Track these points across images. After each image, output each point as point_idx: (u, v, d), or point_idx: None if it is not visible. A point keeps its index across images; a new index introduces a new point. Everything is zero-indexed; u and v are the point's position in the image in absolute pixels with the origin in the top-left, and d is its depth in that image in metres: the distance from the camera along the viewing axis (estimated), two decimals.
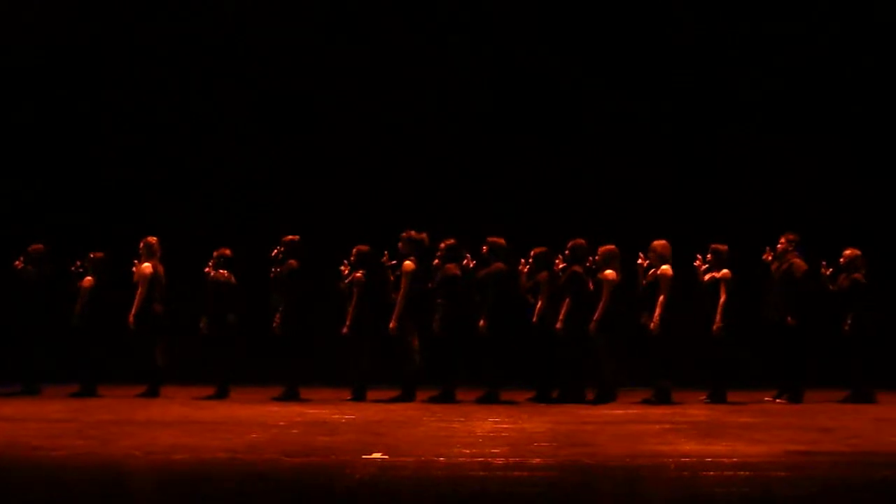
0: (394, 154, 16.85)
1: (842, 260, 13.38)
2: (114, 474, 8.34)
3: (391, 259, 13.34)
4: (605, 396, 12.86)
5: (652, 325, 12.75)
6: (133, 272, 13.67)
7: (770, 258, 13.42)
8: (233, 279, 13.51)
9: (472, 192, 16.55)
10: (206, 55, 17.05)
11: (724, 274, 12.91)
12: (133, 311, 13.44)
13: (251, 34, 17.11)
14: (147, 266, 13.56)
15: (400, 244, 13.23)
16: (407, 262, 13.08)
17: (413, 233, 13.25)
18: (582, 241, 13.15)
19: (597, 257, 13.05)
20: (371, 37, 16.99)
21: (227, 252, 13.54)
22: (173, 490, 7.87)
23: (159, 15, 17.12)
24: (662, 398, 12.87)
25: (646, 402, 12.89)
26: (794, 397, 13.17)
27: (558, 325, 12.86)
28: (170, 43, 17.01)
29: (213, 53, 17.05)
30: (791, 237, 13.41)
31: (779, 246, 13.40)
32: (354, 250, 13.30)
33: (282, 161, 17.00)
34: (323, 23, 17.06)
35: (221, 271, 13.43)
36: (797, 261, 13.29)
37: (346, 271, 13.36)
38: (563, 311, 12.89)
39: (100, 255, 13.84)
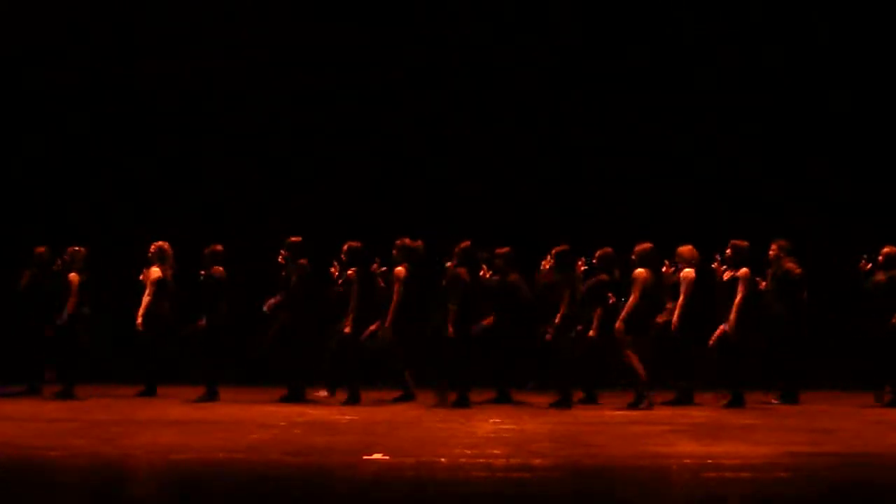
0: (394, 157, 16.85)
1: (880, 258, 13.30)
2: (114, 474, 8.34)
3: (381, 266, 13.29)
4: (640, 399, 12.45)
5: (673, 326, 12.75)
6: (142, 277, 13.65)
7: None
8: (225, 276, 13.39)
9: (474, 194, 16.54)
10: (204, 52, 17.02)
11: (744, 272, 12.81)
12: (140, 313, 13.41)
13: (248, 26, 17.04)
14: (156, 270, 13.55)
15: (394, 251, 13.18)
16: (398, 269, 13.05)
17: (408, 240, 13.20)
18: (610, 249, 13.08)
19: (633, 256, 12.90)
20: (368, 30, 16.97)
21: (219, 248, 13.44)
22: (173, 490, 7.87)
23: (159, 8, 17.09)
24: (684, 399, 12.86)
25: (667, 403, 12.83)
26: (790, 398, 13.19)
27: (592, 333, 12.67)
28: (166, 41, 16.98)
29: (211, 52, 17.03)
30: (782, 243, 13.39)
31: (770, 252, 13.37)
32: (345, 247, 13.18)
33: (277, 161, 16.99)
34: (325, 17, 17.02)
35: (217, 268, 13.33)
36: (790, 265, 13.28)
37: (337, 272, 13.29)
38: (595, 320, 12.69)
39: (81, 250, 13.74)
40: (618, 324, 12.46)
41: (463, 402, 12.61)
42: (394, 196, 16.56)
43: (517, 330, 13.04)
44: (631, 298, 12.51)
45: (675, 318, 12.76)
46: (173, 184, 16.85)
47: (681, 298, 12.80)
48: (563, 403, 12.61)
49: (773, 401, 13.24)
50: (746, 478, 8.02)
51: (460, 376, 12.77)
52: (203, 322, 13.22)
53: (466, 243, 12.90)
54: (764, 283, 13.25)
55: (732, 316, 12.68)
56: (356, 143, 16.91)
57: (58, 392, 13.37)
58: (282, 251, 13.32)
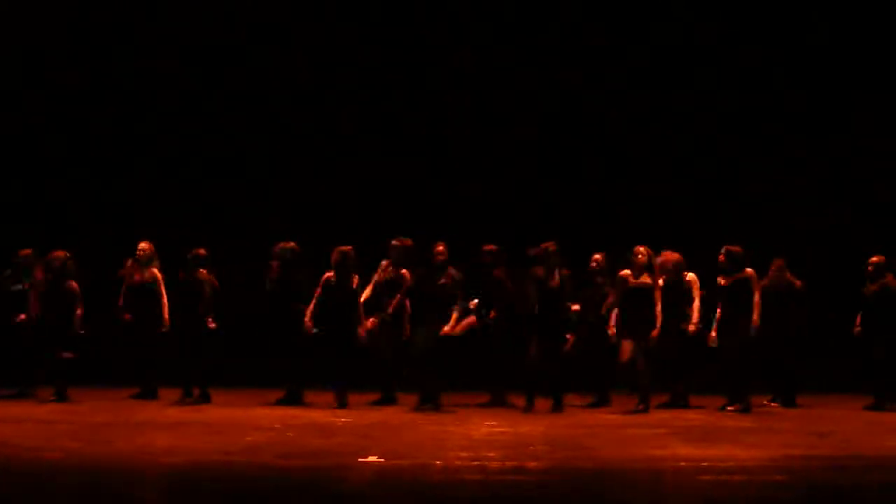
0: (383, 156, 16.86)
1: (870, 268, 13.24)
2: (109, 477, 8.33)
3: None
4: (645, 400, 12.41)
5: (692, 329, 12.69)
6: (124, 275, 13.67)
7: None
8: (211, 279, 13.33)
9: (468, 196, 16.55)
10: (205, 52, 17.03)
11: (751, 272, 12.70)
12: (165, 314, 13.44)
13: (249, 25, 17.04)
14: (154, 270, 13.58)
15: (392, 253, 13.16)
16: (403, 271, 13.06)
17: (400, 240, 13.17)
18: (600, 255, 13.10)
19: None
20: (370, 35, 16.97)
21: (202, 252, 13.35)
22: (168, 493, 7.87)
23: (155, 9, 17.08)
24: (680, 401, 12.85)
25: (662, 406, 12.79)
26: (787, 402, 13.19)
27: (575, 309, 12.72)
28: (166, 41, 16.98)
29: (212, 52, 17.04)
30: (780, 263, 13.42)
31: (770, 273, 13.37)
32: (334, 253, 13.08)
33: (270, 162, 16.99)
34: (324, 18, 17.01)
35: (201, 271, 13.24)
36: (790, 278, 13.34)
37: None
38: (578, 306, 12.82)
39: (61, 254, 13.67)
40: (655, 332, 12.26)
41: (437, 405, 12.55)
42: (394, 196, 16.56)
43: (507, 325, 12.98)
44: (657, 306, 12.35)
45: (694, 319, 12.71)
46: (173, 184, 16.85)
47: (696, 302, 12.75)
48: (556, 408, 12.56)
49: (769, 403, 13.24)
50: (741, 481, 8.00)
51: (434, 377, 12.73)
52: (212, 323, 13.14)
53: (440, 246, 12.90)
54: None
55: (755, 316, 12.58)
56: (357, 142, 16.92)
57: (54, 393, 13.36)
58: (272, 263, 13.25)
